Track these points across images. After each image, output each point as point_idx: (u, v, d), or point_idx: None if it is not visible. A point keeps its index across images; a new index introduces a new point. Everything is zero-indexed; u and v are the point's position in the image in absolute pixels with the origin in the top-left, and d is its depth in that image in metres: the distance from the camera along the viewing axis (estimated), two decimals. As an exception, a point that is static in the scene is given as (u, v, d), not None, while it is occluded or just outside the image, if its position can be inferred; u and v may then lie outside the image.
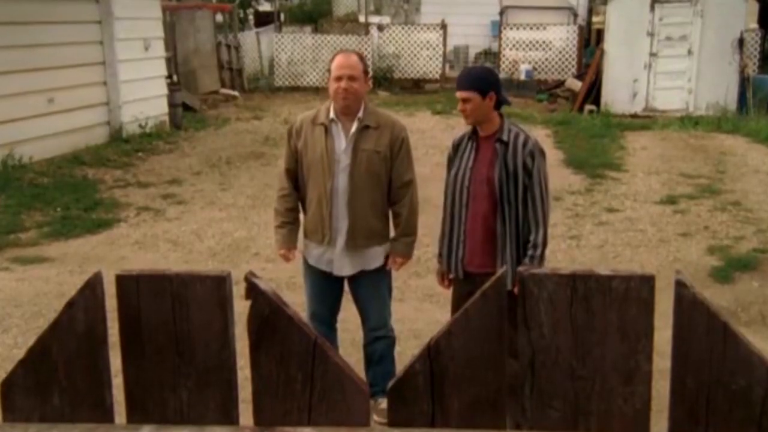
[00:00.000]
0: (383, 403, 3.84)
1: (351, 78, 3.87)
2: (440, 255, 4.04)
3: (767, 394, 1.04)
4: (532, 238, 3.76)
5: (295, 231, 4.15)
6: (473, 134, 3.91)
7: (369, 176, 3.94)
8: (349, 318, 4.54)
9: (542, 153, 3.82)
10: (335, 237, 4.00)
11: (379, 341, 4.17)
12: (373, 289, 4.15)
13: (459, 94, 3.82)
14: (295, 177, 4.11)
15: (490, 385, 1.08)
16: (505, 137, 3.78)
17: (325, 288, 4.17)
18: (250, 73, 19.40)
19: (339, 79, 3.87)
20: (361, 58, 4.04)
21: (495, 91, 3.77)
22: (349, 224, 3.96)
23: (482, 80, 3.83)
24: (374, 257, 4.08)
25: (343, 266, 4.07)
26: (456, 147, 3.97)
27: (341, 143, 3.95)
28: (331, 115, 3.97)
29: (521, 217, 3.77)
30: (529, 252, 3.75)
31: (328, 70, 4.01)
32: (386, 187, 4.02)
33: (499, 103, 3.83)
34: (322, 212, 3.99)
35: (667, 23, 14.89)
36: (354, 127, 3.94)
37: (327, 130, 3.95)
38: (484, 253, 3.83)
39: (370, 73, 4.13)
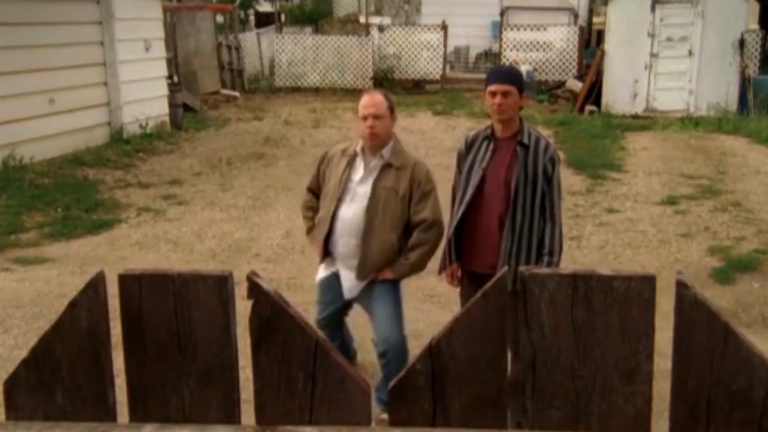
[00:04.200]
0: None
1: (376, 117, 3.97)
2: (445, 252, 4.03)
3: (768, 394, 1.04)
4: (547, 243, 3.72)
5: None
6: (491, 134, 3.85)
7: (385, 214, 3.98)
8: (351, 319, 4.55)
9: (559, 159, 3.81)
10: (332, 259, 4.15)
11: (384, 356, 4.09)
12: (378, 302, 4.12)
13: (498, 87, 3.71)
14: (316, 195, 4.29)
15: (491, 385, 1.08)
16: (526, 140, 3.73)
17: (336, 288, 4.21)
18: (251, 73, 19.40)
19: (365, 118, 3.99)
20: (386, 96, 4.13)
21: (523, 92, 3.79)
22: (361, 258, 4.03)
23: (520, 78, 3.83)
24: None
25: (350, 290, 4.15)
26: (469, 145, 3.91)
27: (358, 174, 4.05)
28: (358, 148, 4.09)
29: (537, 222, 3.74)
30: (545, 259, 3.71)
31: (357, 110, 4.12)
32: (403, 228, 4.05)
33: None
34: (321, 233, 4.11)
35: (668, 24, 14.89)
36: (375, 162, 4.03)
37: (350, 162, 4.08)
38: (499, 255, 3.80)
39: (395, 110, 4.18)
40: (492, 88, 3.73)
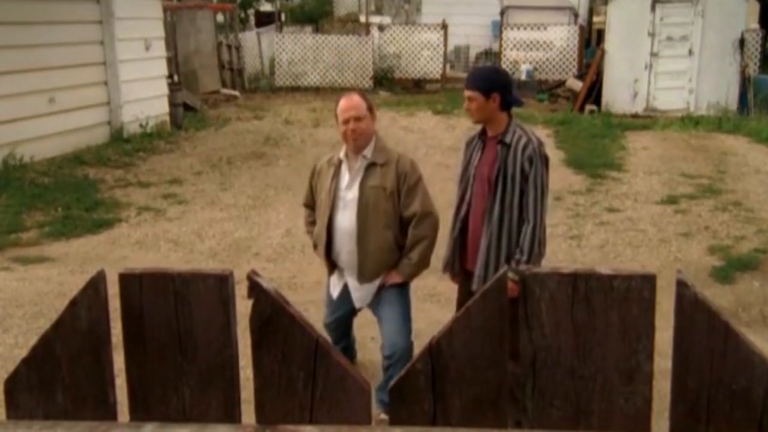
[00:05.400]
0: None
1: (357, 119, 3.94)
2: (449, 254, 4.05)
3: (768, 394, 1.04)
4: (521, 241, 3.75)
5: None
6: (483, 133, 3.91)
7: (376, 213, 3.94)
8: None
9: (543, 158, 3.76)
10: (340, 269, 4.11)
11: (389, 359, 4.05)
12: (385, 307, 4.10)
13: (465, 93, 3.85)
14: (313, 208, 4.28)
15: (491, 384, 1.08)
16: (507, 139, 3.76)
17: (345, 297, 4.19)
18: (251, 73, 19.40)
19: (346, 122, 3.95)
20: (363, 96, 4.09)
21: (500, 92, 3.75)
22: (359, 260, 3.99)
23: (486, 80, 3.83)
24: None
25: (360, 299, 4.12)
26: (468, 145, 3.99)
27: (345, 179, 4.03)
28: (341, 155, 4.07)
29: (516, 221, 3.76)
30: (516, 256, 3.75)
31: (336, 115, 4.06)
32: (397, 225, 4.00)
33: (509, 104, 3.81)
34: (321, 247, 4.09)
35: (668, 23, 14.88)
36: (359, 164, 4.00)
37: (336, 171, 4.05)
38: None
39: (374, 108, 4.15)
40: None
